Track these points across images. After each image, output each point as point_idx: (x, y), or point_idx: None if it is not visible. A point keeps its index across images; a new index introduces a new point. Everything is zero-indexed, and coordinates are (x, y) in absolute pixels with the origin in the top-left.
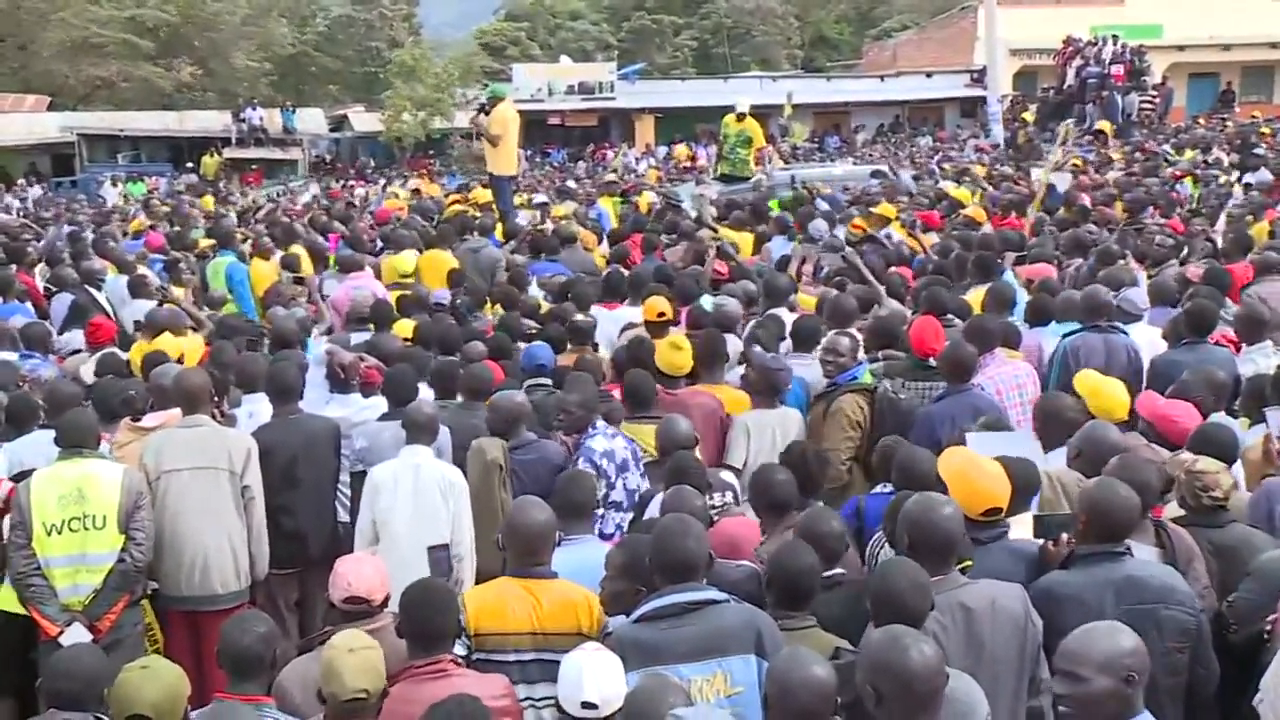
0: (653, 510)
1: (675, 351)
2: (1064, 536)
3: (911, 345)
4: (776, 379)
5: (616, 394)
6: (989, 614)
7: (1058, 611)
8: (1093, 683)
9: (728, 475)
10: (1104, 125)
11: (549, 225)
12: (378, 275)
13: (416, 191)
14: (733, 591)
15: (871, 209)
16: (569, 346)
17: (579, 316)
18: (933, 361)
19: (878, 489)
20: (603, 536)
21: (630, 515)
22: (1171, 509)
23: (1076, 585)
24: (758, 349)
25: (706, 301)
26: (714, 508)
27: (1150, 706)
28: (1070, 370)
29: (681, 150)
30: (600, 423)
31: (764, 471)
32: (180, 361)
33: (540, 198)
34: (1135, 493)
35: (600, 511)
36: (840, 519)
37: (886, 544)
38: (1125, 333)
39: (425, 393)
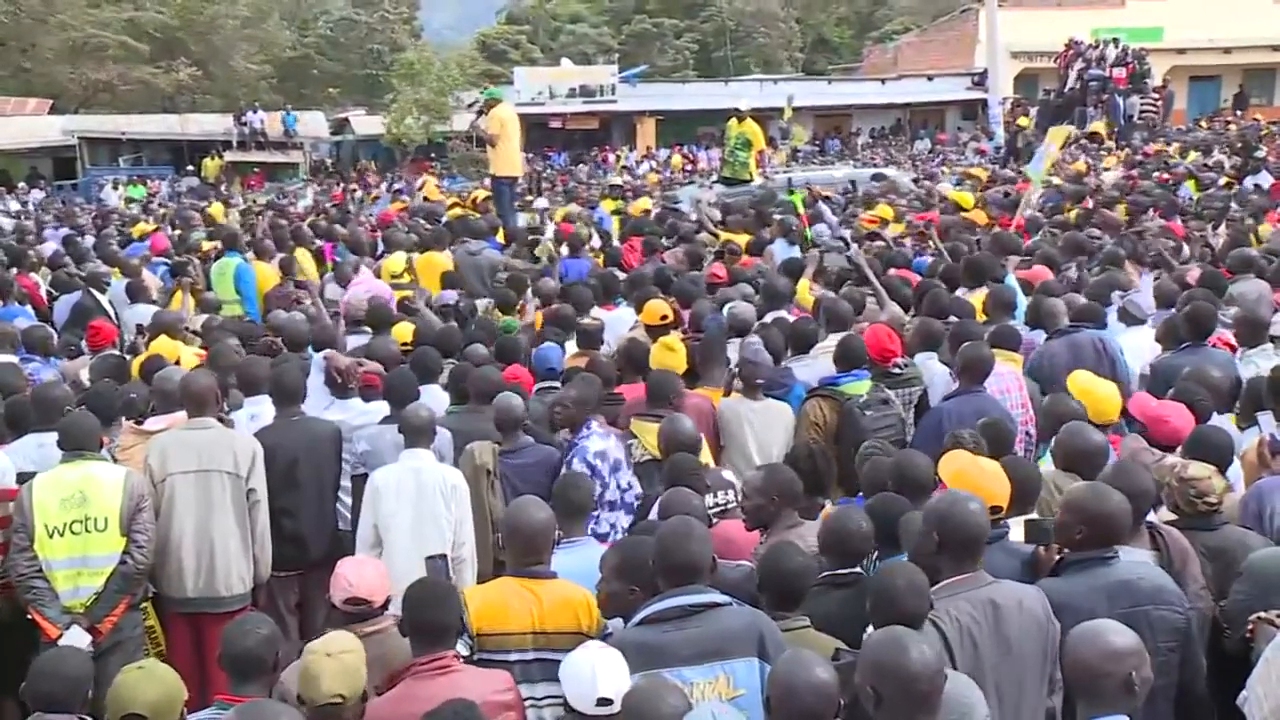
0: (653, 512)
1: (669, 353)
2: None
3: (870, 354)
4: (749, 371)
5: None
6: (1016, 612)
7: None
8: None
9: (729, 475)
10: (1097, 126)
11: (550, 228)
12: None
13: (398, 192)
14: (732, 592)
15: (871, 209)
16: (577, 348)
17: (586, 320)
18: (895, 365)
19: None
20: (597, 536)
21: (624, 514)
22: (1162, 513)
23: (1069, 592)
24: (752, 340)
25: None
26: (716, 507)
27: (1143, 706)
28: (1046, 380)
29: (676, 161)
30: (594, 423)
31: (780, 470)
32: (177, 364)
33: (542, 201)
34: (1131, 498)
35: (595, 512)
36: (868, 519)
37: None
38: (1098, 328)
39: (439, 394)
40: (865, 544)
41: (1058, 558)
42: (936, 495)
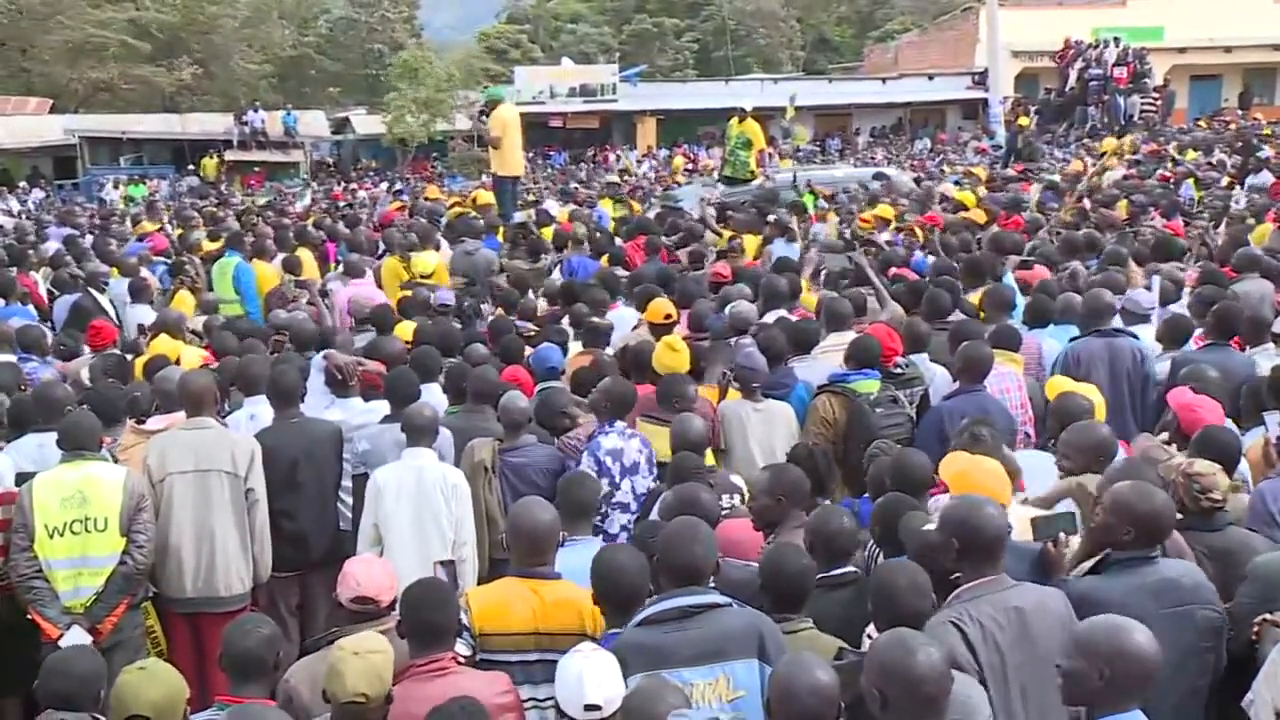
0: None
1: (672, 353)
2: (1062, 537)
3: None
4: (743, 375)
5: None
6: (1039, 614)
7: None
8: (1072, 661)
9: (736, 478)
10: (1109, 145)
11: (553, 229)
12: (377, 278)
13: (398, 193)
14: (736, 592)
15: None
16: (582, 347)
17: (595, 318)
18: (898, 363)
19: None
20: (608, 536)
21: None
22: None
23: (1117, 591)
24: (745, 342)
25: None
26: (722, 510)
27: (1180, 706)
28: (1072, 376)
29: (678, 162)
30: (619, 423)
31: (787, 470)
32: (178, 363)
33: (553, 204)
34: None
35: (605, 510)
36: (851, 516)
37: (876, 548)
38: (1134, 335)
39: (438, 394)
40: (851, 541)
41: (1067, 553)
42: (948, 499)
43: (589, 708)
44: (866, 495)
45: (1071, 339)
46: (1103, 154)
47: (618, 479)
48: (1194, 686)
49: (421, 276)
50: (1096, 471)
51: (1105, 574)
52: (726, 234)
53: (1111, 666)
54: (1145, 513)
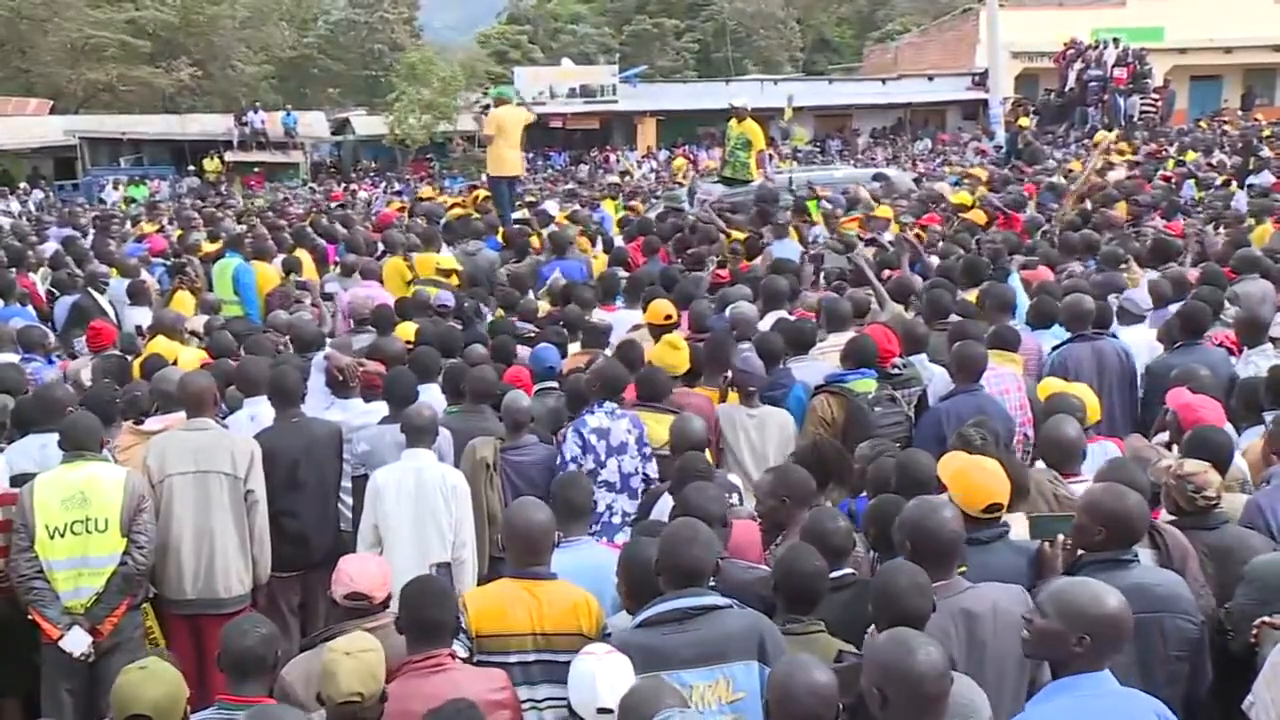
0: (660, 511)
1: (672, 351)
2: (1060, 538)
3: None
4: (740, 379)
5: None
6: (990, 617)
7: None
8: (1048, 621)
9: (734, 477)
10: (1100, 138)
11: (553, 229)
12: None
13: (398, 193)
14: (743, 593)
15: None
16: (581, 347)
17: (594, 318)
18: (895, 364)
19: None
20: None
21: (626, 498)
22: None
23: None
24: (743, 347)
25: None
26: None
27: None
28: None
29: (680, 163)
30: (608, 404)
31: (791, 470)
32: (175, 364)
33: (552, 204)
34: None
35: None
36: (845, 517)
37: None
38: (1115, 335)
39: (438, 395)
40: (846, 541)
41: (1063, 554)
42: (913, 502)
43: (601, 711)
44: (864, 495)
45: (1054, 347)
46: (1094, 144)
47: (603, 457)
48: (1160, 696)
49: (439, 272)
50: (1064, 468)
51: (1077, 574)
52: (735, 235)
53: (1092, 633)
54: (1117, 511)
